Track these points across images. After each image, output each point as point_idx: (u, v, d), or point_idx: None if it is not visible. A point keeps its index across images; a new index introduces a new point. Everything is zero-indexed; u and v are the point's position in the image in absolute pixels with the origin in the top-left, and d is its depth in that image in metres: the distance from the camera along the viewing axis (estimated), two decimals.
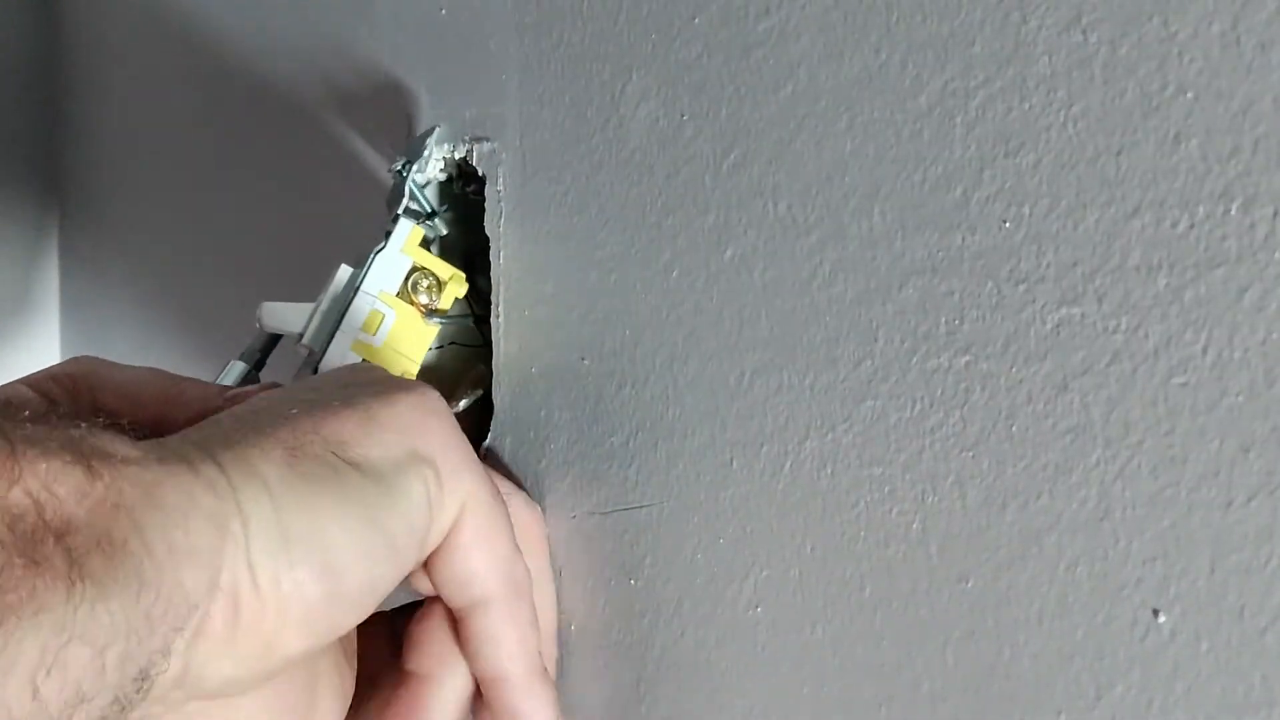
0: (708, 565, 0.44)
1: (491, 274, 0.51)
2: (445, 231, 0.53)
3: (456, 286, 0.51)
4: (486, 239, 0.51)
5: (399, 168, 0.51)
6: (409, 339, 0.51)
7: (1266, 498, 0.31)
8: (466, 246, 0.53)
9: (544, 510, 0.50)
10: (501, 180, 0.50)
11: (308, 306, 0.50)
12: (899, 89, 0.38)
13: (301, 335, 0.50)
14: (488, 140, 0.50)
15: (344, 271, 0.50)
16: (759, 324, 0.42)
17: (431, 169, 0.51)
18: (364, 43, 0.58)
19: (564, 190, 0.48)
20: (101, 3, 0.84)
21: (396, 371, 0.50)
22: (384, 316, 0.50)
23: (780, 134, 0.41)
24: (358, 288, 0.50)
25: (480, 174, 0.51)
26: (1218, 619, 0.32)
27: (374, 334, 0.50)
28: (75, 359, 0.46)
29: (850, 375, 0.39)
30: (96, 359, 0.46)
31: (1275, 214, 0.30)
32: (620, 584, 0.47)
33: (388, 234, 0.50)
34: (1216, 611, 0.32)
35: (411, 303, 0.51)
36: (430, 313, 0.51)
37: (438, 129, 0.50)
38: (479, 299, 0.53)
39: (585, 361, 0.48)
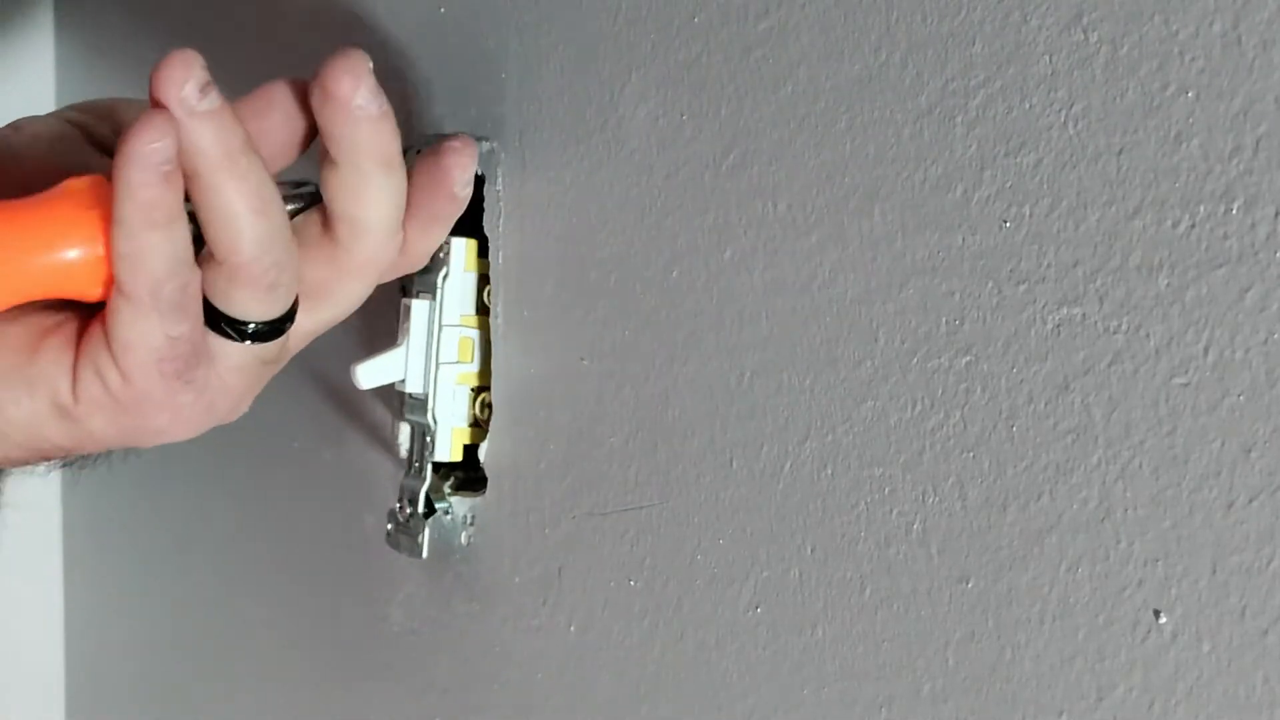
0: (708, 565, 0.44)
1: (491, 274, 0.51)
2: None
3: None
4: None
5: None
6: None
7: (1268, 498, 0.30)
8: None
9: (545, 509, 0.50)
10: (501, 180, 0.50)
11: (395, 354, 0.51)
12: (899, 88, 0.37)
13: (404, 382, 0.51)
14: (487, 140, 0.50)
15: (419, 308, 0.51)
16: (759, 324, 0.42)
17: None
18: (363, 43, 0.58)
19: (564, 190, 0.48)
20: None
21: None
22: (474, 340, 0.51)
23: (780, 134, 0.41)
24: (441, 323, 0.50)
25: (479, 174, 0.51)
26: (1219, 620, 0.31)
27: (471, 361, 0.51)
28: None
29: (850, 375, 0.39)
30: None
31: (1277, 214, 0.30)
32: (620, 584, 0.47)
33: (436, 254, 0.50)
34: (1218, 612, 0.31)
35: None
36: None
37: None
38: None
39: (585, 361, 0.48)
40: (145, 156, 0.39)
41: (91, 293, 0.41)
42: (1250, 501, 0.31)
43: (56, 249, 0.40)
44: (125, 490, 0.85)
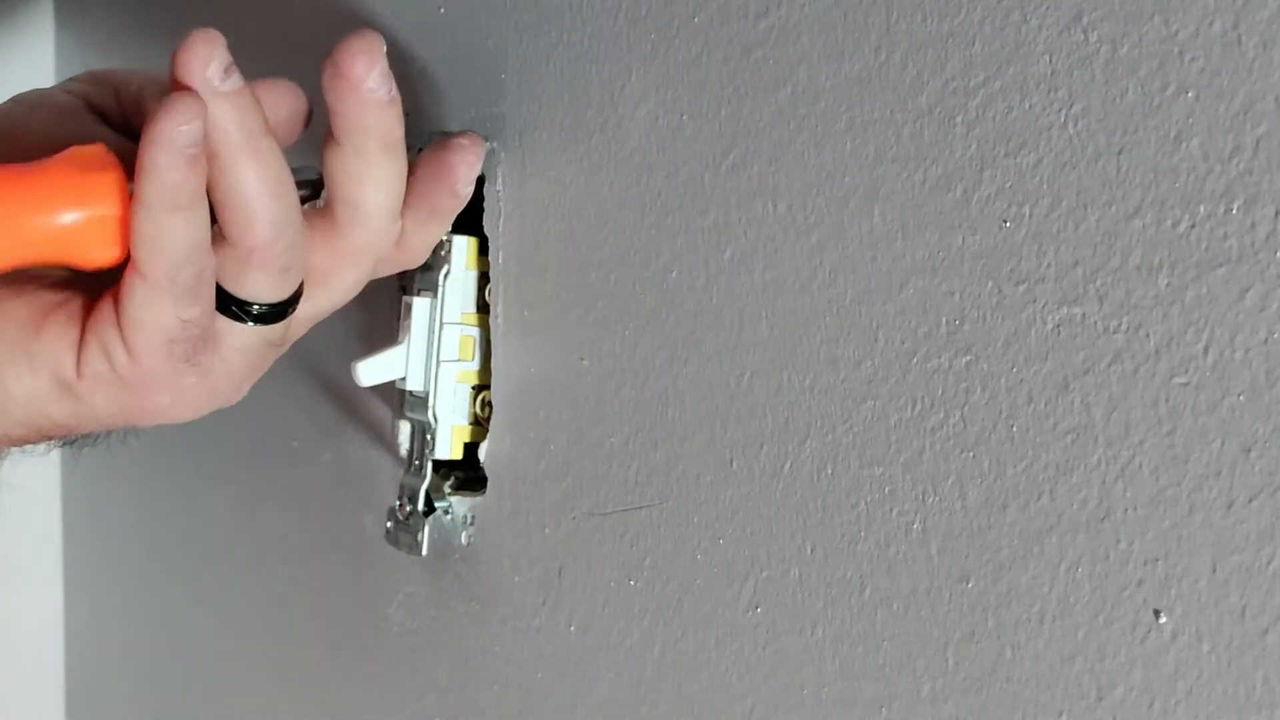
0: (708, 565, 0.44)
1: (491, 274, 0.51)
2: None
3: None
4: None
5: None
6: None
7: (1268, 498, 0.31)
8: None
9: (545, 509, 0.50)
10: (501, 180, 0.50)
11: (396, 351, 0.51)
12: (899, 88, 0.37)
13: (404, 380, 0.51)
14: (487, 140, 0.50)
15: (420, 306, 0.51)
16: (759, 324, 0.42)
17: None
18: None
19: (564, 190, 0.48)
20: None
21: None
22: (474, 338, 0.51)
23: (780, 134, 0.41)
24: (442, 321, 0.50)
25: (480, 173, 0.51)
26: (1219, 620, 0.31)
27: (471, 359, 0.51)
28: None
29: (850, 375, 0.39)
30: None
31: (1276, 213, 0.30)
32: (620, 584, 0.47)
33: (438, 251, 0.50)
34: (1218, 612, 0.31)
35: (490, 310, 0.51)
36: None
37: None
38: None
39: (585, 361, 0.48)
40: (173, 139, 0.39)
41: (89, 259, 0.41)
42: (1250, 501, 0.31)
43: (55, 212, 0.40)
44: (125, 488, 0.85)
